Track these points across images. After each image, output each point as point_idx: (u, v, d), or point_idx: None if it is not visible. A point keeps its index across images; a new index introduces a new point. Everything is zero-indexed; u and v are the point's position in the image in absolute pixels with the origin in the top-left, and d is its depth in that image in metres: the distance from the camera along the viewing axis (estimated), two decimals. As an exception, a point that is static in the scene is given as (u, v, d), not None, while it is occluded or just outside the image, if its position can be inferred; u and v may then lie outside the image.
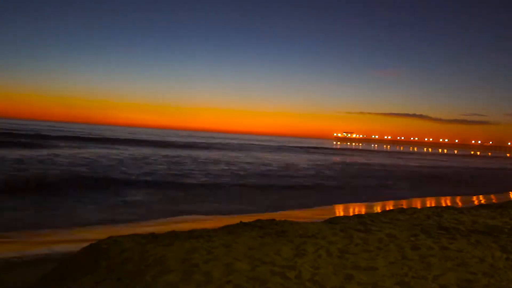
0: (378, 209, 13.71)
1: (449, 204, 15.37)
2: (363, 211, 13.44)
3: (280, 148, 69.05)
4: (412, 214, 10.07)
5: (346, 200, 16.42)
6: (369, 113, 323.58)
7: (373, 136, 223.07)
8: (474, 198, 18.95)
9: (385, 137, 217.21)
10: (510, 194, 21.17)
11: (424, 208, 11.85)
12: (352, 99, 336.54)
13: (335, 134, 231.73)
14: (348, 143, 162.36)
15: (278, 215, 10.44)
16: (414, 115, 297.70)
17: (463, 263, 5.44)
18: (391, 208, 13.22)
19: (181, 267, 4.56)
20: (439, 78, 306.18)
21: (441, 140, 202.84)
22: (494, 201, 17.59)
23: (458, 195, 19.61)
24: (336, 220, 8.80)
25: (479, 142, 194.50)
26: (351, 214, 11.89)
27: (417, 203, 15.94)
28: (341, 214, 12.77)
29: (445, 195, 19.39)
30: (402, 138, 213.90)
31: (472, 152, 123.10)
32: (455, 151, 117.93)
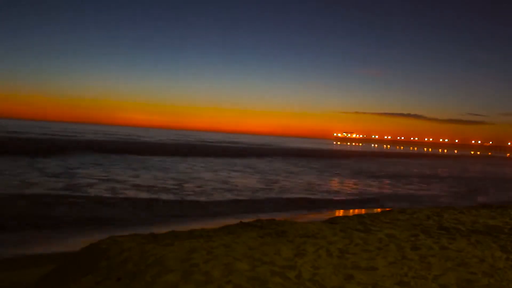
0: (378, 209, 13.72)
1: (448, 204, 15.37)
2: (363, 211, 13.44)
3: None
4: (412, 214, 10.07)
5: None
6: (364, 112, 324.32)
7: (373, 136, 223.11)
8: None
9: (385, 137, 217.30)
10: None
11: (424, 208, 11.85)
12: (347, 98, 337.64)
13: (334, 134, 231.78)
14: (348, 143, 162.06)
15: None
16: (409, 115, 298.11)
17: (463, 263, 5.44)
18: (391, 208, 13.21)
19: (181, 267, 4.56)
20: (433, 78, 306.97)
21: (441, 140, 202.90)
22: (494, 201, 17.58)
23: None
24: (336, 220, 8.80)
25: (479, 142, 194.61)
26: (351, 214, 11.88)
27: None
28: (341, 214, 12.77)
29: None
30: (402, 138, 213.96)
31: (472, 152, 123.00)
32: (455, 151, 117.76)
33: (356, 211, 13.73)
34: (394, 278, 4.76)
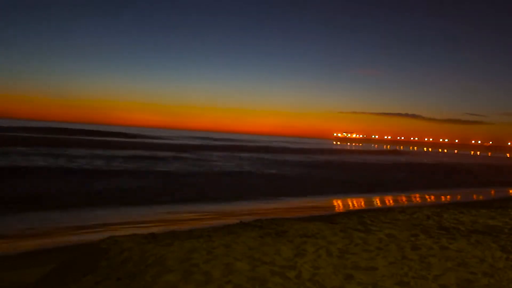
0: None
1: (449, 203, 15.37)
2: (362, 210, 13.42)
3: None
4: (412, 214, 10.08)
5: None
6: (362, 112, 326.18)
7: (373, 136, 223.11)
8: (474, 197, 18.96)
9: (385, 137, 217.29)
10: (510, 193, 21.17)
11: (424, 208, 11.86)
12: (345, 98, 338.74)
13: (334, 134, 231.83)
14: (348, 143, 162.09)
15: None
16: (406, 115, 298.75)
17: (463, 263, 5.44)
18: (391, 208, 13.21)
19: (181, 267, 4.56)
20: (431, 78, 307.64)
21: (440, 140, 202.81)
22: (493, 200, 17.59)
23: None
24: (336, 220, 8.80)
25: (479, 142, 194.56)
26: (351, 214, 11.88)
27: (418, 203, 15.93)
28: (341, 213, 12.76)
29: None
30: (402, 138, 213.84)
31: (472, 152, 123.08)
32: (455, 151, 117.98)
33: (356, 210, 13.71)
34: (394, 278, 4.76)
